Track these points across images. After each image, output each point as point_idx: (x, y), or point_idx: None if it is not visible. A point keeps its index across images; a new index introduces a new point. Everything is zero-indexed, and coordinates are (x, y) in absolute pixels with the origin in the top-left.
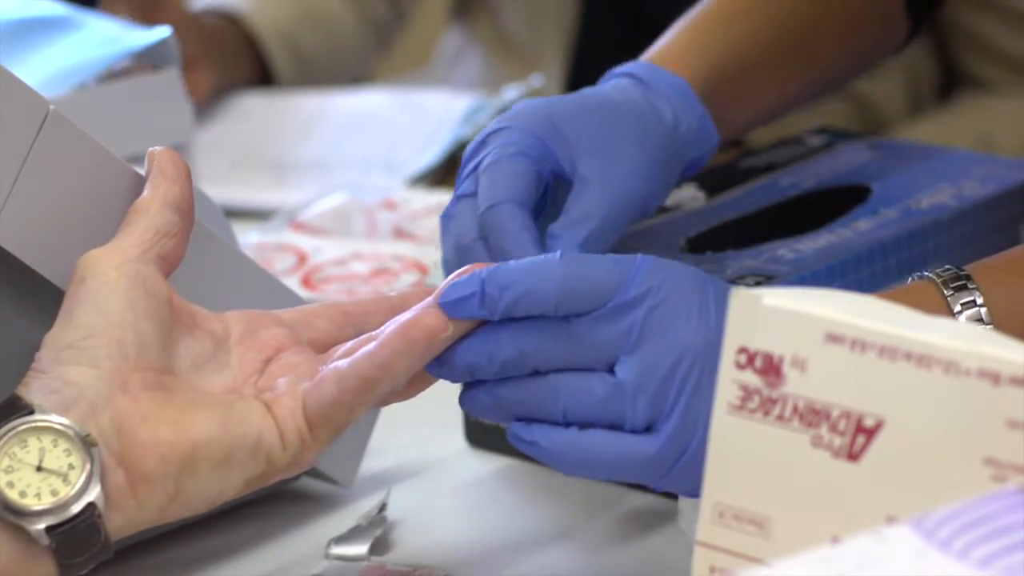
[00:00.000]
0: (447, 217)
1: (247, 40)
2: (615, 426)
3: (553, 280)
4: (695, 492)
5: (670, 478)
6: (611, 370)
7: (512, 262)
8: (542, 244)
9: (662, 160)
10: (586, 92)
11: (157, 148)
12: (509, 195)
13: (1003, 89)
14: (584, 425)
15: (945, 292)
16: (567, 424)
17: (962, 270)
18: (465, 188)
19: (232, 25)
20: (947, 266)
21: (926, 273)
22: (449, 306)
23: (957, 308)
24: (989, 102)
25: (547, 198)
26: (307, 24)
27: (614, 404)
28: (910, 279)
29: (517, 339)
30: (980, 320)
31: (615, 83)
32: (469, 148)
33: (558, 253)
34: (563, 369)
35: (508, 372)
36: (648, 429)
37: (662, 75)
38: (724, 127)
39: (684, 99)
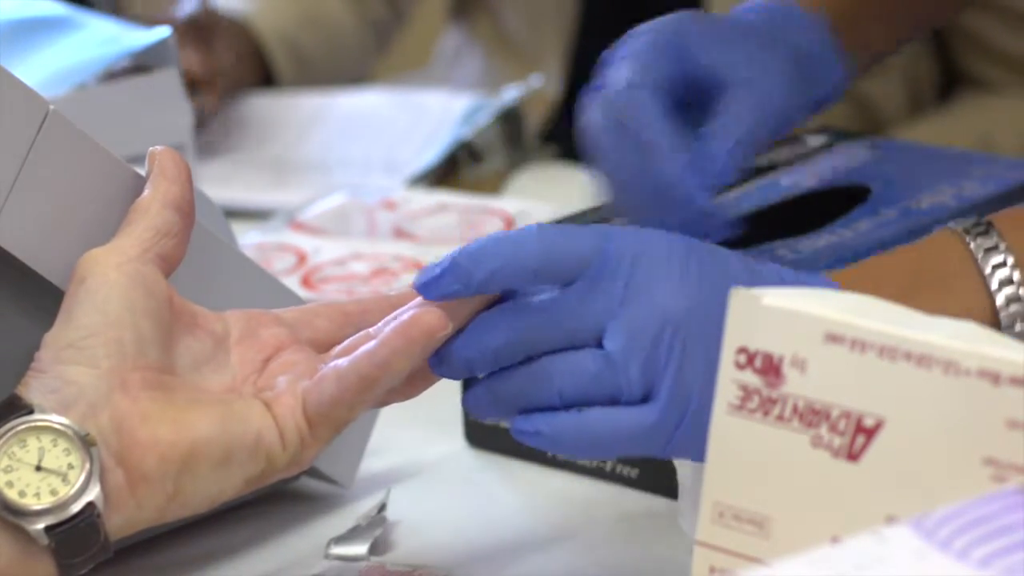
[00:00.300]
0: (583, 108)
1: (251, 44)
2: (613, 401)
3: (531, 249)
4: (700, 456)
5: (673, 445)
6: (600, 345)
7: (486, 236)
8: (685, 139)
9: (798, 80)
10: (720, 14)
11: (158, 148)
12: (650, 82)
13: (1003, 89)
14: (583, 406)
15: (967, 239)
16: (566, 407)
17: (983, 218)
18: (605, 79)
19: (238, 30)
20: (972, 217)
21: (950, 224)
22: (423, 288)
23: (980, 255)
24: (989, 102)
25: (687, 101)
26: (308, 26)
27: (607, 377)
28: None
29: (505, 324)
30: (1003, 265)
31: (744, 11)
32: (610, 52)
33: (535, 225)
34: (553, 351)
35: (502, 360)
36: (645, 400)
37: (791, 5)
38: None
39: (813, 29)
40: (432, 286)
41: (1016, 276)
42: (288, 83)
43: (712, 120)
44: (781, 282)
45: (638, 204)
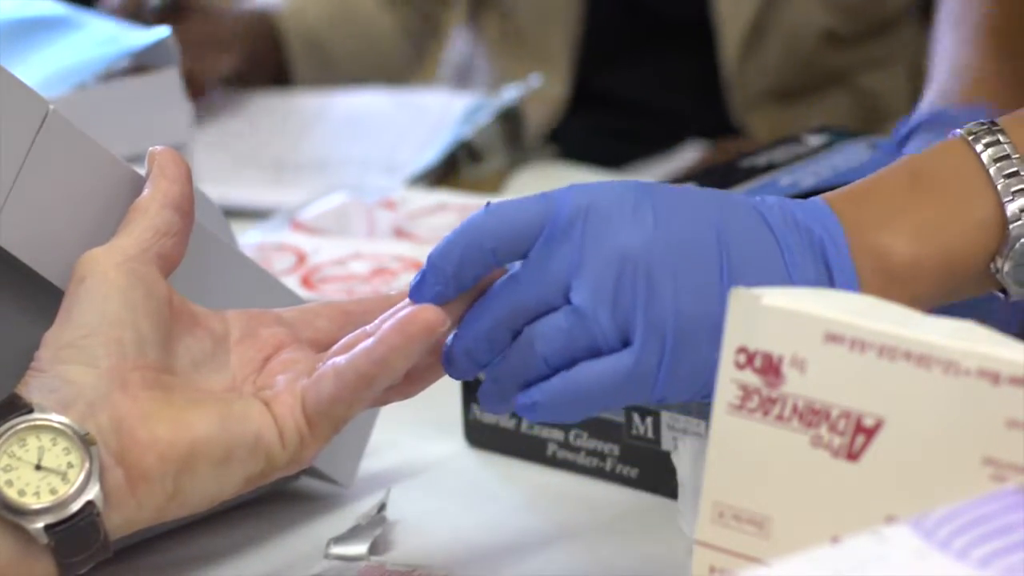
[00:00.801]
0: None
1: (275, 40)
2: (595, 354)
3: (483, 229)
4: (696, 395)
5: (660, 387)
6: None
7: (452, 230)
8: None
9: None
10: None
11: (158, 148)
12: None
13: None
14: (571, 367)
15: (968, 138)
16: (556, 372)
17: (986, 120)
18: None
19: (263, 23)
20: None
21: (957, 131)
22: (413, 294)
23: (984, 153)
24: None
25: None
26: (339, 28)
27: (580, 330)
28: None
29: (487, 306)
30: (1007, 157)
31: None
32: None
33: (484, 204)
34: (533, 320)
35: (495, 343)
36: (625, 345)
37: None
38: None
39: None
40: (419, 291)
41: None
42: (307, 83)
43: None
44: (762, 206)
45: None
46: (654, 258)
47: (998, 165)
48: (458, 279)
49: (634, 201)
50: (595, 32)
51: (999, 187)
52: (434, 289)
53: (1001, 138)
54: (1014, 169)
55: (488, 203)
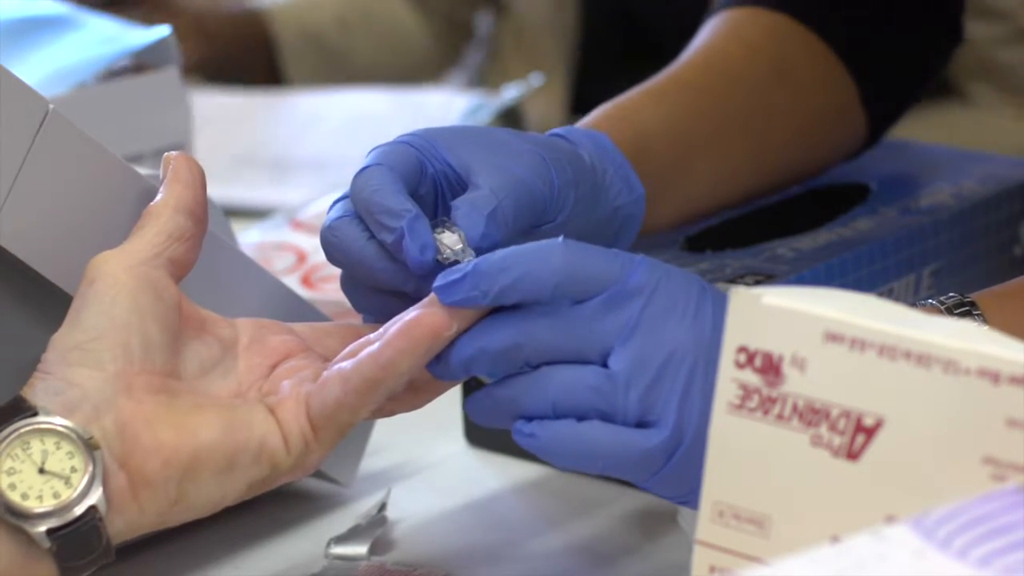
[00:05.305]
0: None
1: (265, 39)
2: (604, 420)
3: (554, 263)
4: (679, 496)
5: (659, 477)
6: (604, 365)
7: (509, 248)
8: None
9: (573, 179)
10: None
11: (173, 152)
12: (384, 161)
13: (982, 102)
14: (581, 419)
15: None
16: (557, 419)
17: (966, 297)
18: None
19: (253, 22)
20: (951, 294)
21: (930, 300)
22: (442, 290)
23: None
24: (966, 114)
25: (436, 203)
26: (352, 27)
27: (606, 393)
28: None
29: (510, 330)
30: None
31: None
32: None
33: (560, 238)
34: (556, 361)
35: (501, 366)
36: (638, 425)
37: (581, 130)
38: (664, 201)
39: (602, 148)
40: (451, 290)
41: None
42: (302, 80)
43: (463, 196)
44: None
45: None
46: (699, 361)
47: None
48: (504, 295)
49: (697, 299)
50: (591, 44)
51: None
52: (469, 294)
53: (983, 327)
54: None
55: (564, 239)
